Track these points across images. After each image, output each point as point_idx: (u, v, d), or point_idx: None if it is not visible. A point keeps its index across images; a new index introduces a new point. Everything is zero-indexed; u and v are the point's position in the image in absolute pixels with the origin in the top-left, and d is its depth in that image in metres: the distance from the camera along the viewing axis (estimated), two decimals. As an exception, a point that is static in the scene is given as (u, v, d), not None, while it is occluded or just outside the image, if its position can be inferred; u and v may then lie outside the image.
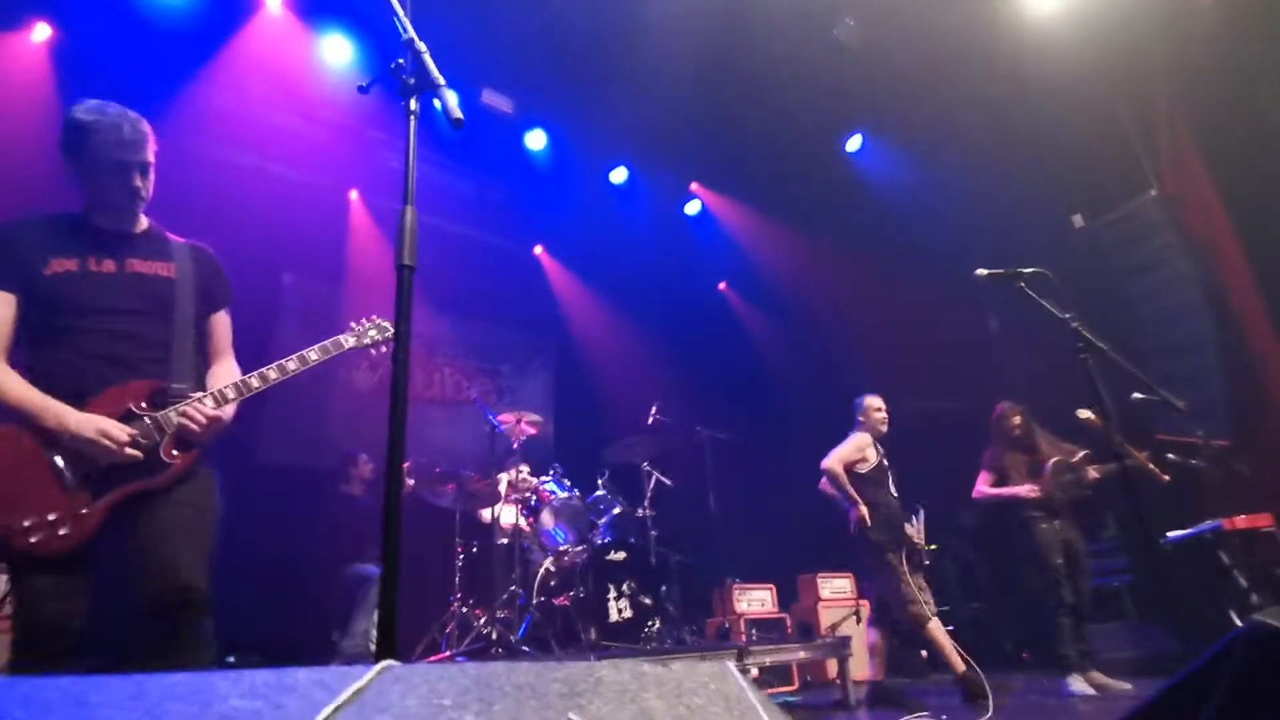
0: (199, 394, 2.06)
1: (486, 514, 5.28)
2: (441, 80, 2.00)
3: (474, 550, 4.83)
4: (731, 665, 0.73)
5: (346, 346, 2.33)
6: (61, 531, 1.79)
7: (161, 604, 1.83)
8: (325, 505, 5.36)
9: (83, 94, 5.11)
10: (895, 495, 4.48)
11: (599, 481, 5.22)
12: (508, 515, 4.91)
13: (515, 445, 5.15)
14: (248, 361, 2.41)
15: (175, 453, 1.98)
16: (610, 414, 6.97)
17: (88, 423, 1.85)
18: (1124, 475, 3.20)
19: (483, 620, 4.33)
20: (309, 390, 6.11)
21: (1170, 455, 4.79)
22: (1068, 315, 3.17)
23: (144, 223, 2.22)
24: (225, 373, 2.25)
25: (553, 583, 4.60)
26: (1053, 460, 4.58)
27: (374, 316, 2.43)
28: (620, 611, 4.50)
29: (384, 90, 2.04)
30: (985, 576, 6.24)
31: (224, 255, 2.67)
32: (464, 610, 4.49)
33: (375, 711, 0.56)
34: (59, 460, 1.84)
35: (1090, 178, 6.16)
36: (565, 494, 5.06)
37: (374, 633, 4.81)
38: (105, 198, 2.09)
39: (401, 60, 2.01)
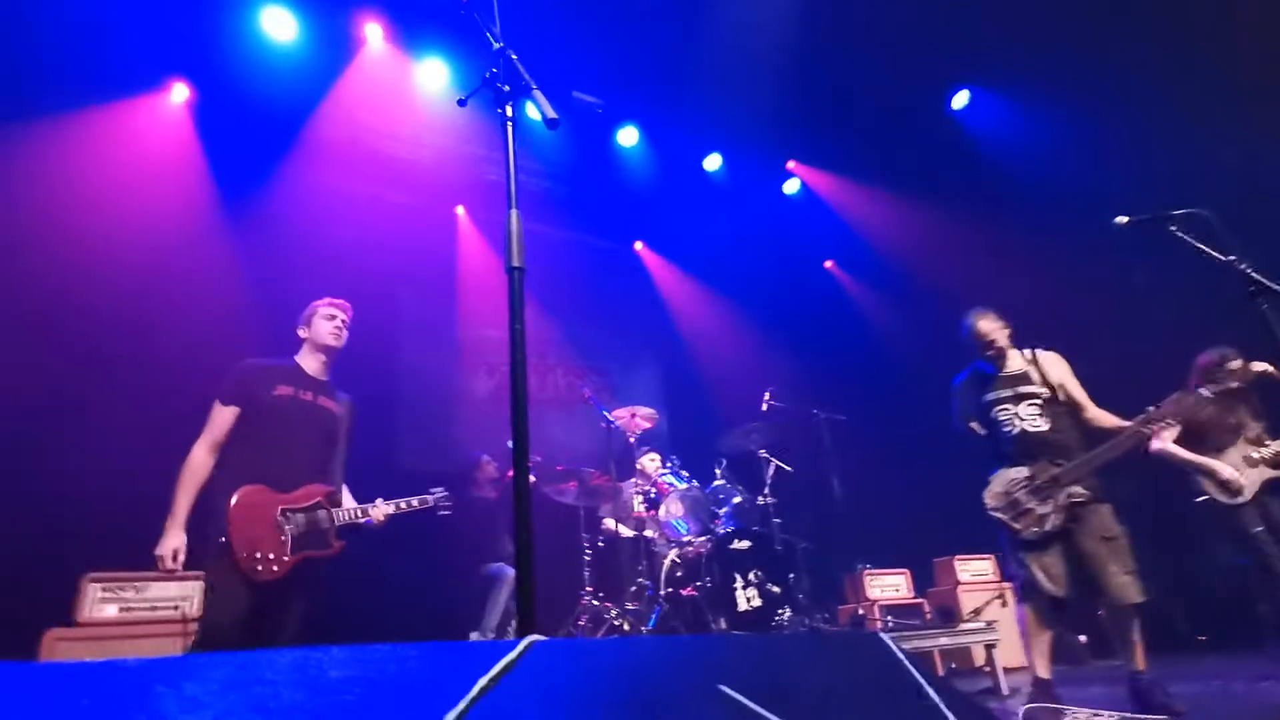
0: (380, 501, 3.02)
1: (609, 509, 5.37)
2: (534, 84, 2.05)
3: (600, 544, 4.92)
4: (886, 636, 0.69)
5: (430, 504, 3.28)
6: (275, 569, 2.56)
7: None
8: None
9: (222, 147, 5.66)
10: (1010, 434, 3.29)
11: (717, 471, 5.18)
12: (635, 507, 4.97)
13: (631, 440, 5.20)
14: (373, 376, 2.89)
15: (337, 541, 2.81)
16: (723, 403, 6.91)
17: (166, 542, 2.59)
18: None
19: (613, 613, 4.40)
20: (433, 399, 6.46)
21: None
22: (1232, 257, 2.81)
23: (329, 374, 3.11)
24: (345, 491, 3.09)
25: (679, 574, 4.61)
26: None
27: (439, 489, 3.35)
28: (749, 600, 4.45)
29: (479, 107, 2.12)
30: (1145, 549, 5.68)
31: (346, 278, 3.09)
32: (595, 603, 4.58)
33: (526, 685, 0.57)
34: (281, 518, 2.66)
35: (1241, 106, 5.45)
36: (684, 485, 5.06)
37: (510, 626, 5.03)
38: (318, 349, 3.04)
39: (495, 69, 2.07)
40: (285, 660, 0.62)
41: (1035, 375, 3.37)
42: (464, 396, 6.73)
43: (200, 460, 2.72)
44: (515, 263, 1.86)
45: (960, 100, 6.77)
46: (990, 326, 3.43)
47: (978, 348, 3.48)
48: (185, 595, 3.65)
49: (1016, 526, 3.16)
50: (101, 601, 3.50)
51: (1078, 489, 3.11)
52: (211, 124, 5.42)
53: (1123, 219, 3.01)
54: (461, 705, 0.51)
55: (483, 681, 0.54)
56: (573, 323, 7.27)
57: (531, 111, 2.08)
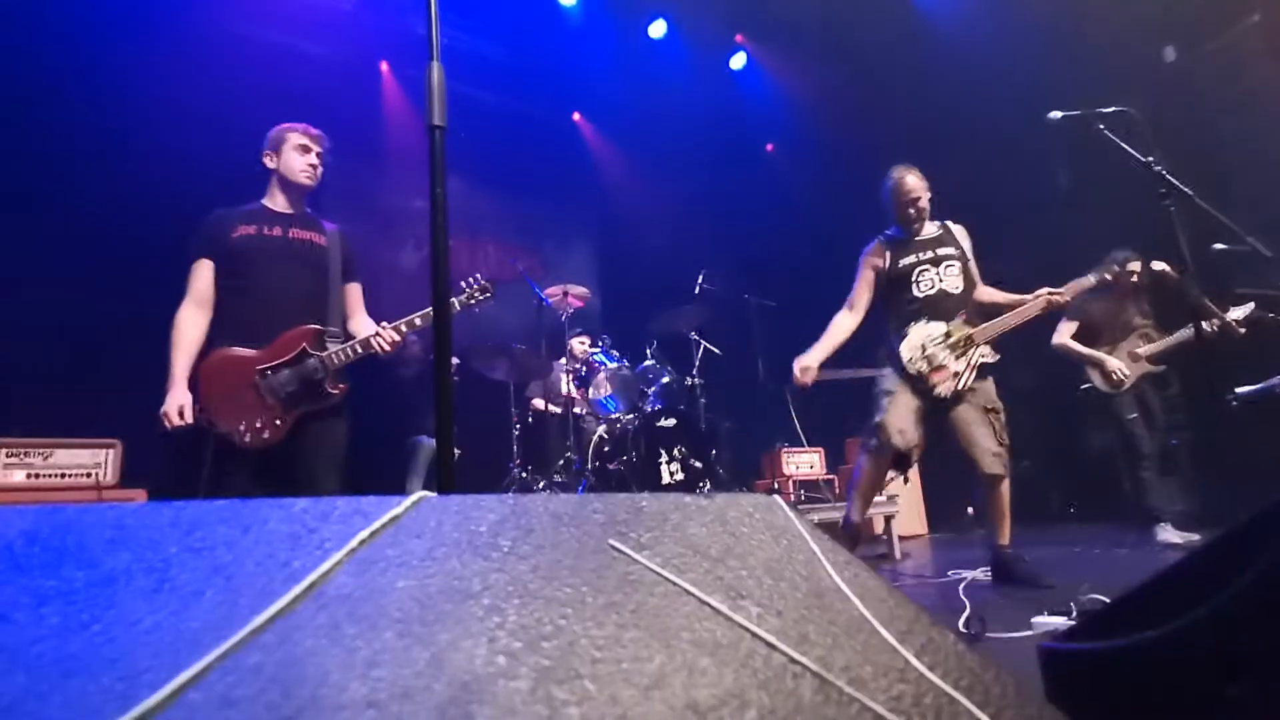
0: (385, 325, 2.64)
1: (538, 387, 5.43)
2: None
3: (529, 420, 5.00)
4: (778, 498, 0.72)
5: (456, 310, 2.77)
6: (265, 435, 2.41)
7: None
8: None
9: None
10: (927, 293, 3.22)
11: (647, 351, 5.25)
12: (564, 385, 5.04)
13: (563, 318, 5.18)
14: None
15: (337, 386, 2.56)
16: (656, 284, 6.87)
17: (169, 401, 2.38)
18: (1197, 335, 3.05)
19: (540, 485, 4.55)
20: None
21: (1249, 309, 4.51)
22: (1150, 159, 2.91)
23: (304, 208, 2.80)
24: (365, 322, 2.78)
25: (606, 448, 4.76)
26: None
27: (477, 276, 2.83)
28: (672, 474, 4.66)
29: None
30: (1030, 431, 6.18)
31: (254, 136, 2.81)
32: (523, 476, 4.72)
33: (411, 538, 0.58)
34: (261, 381, 2.43)
35: (1185, 4, 5.44)
36: (614, 365, 5.13)
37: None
38: (287, 185, 2.73)
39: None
40: (157, 512, 0.60)
41: (950, 239, 3.32)
42: (390, 270, 6.49)
43: (185, 318, 2.48)
44: (436, 121, 1.73)
45: (917, -20, 6.53)
46: (917, 183, 3.28)
47: (897, 206, 3.31)
48: (97, 462, 3.55)
49: (933, 381, 3.10)
50: (6, 467, 3.39)
51: (988, 350, 3.13)
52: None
53: (1056, 114, 3.06)
54: (337, 556, 0.52)
55: (363, 534, 0.54)
56: (506, 196, 7.00)
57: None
